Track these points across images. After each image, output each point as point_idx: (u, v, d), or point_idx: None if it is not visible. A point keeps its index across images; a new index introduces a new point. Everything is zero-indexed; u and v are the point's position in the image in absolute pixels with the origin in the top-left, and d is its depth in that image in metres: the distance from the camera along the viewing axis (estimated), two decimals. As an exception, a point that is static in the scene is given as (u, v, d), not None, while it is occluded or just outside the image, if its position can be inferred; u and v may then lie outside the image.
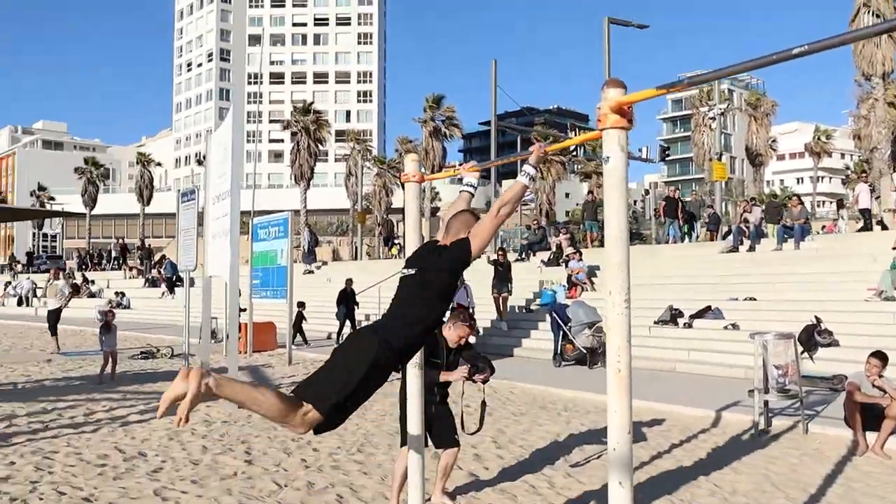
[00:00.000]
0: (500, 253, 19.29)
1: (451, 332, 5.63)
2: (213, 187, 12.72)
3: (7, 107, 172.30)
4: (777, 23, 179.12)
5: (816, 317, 13.22)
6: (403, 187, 4.99)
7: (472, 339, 6.39)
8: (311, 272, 33.11)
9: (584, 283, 19.54)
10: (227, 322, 10.91)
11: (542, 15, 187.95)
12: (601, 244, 27.01)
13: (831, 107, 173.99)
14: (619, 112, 3.42)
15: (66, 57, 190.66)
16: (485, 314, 18.80)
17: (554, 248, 23.89)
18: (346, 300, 20.16)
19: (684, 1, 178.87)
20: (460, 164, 4.65)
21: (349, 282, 20.94)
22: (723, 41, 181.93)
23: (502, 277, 18.59)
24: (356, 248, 47.48)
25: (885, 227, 20.90)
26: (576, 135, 39.55)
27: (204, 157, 17.76)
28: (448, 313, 5.29)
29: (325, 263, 36.86)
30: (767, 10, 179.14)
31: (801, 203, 19.75)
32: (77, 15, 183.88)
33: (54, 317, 19.50)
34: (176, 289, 33.36)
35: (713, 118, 35.77)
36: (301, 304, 20.59)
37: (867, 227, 20.60)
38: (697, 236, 25.45)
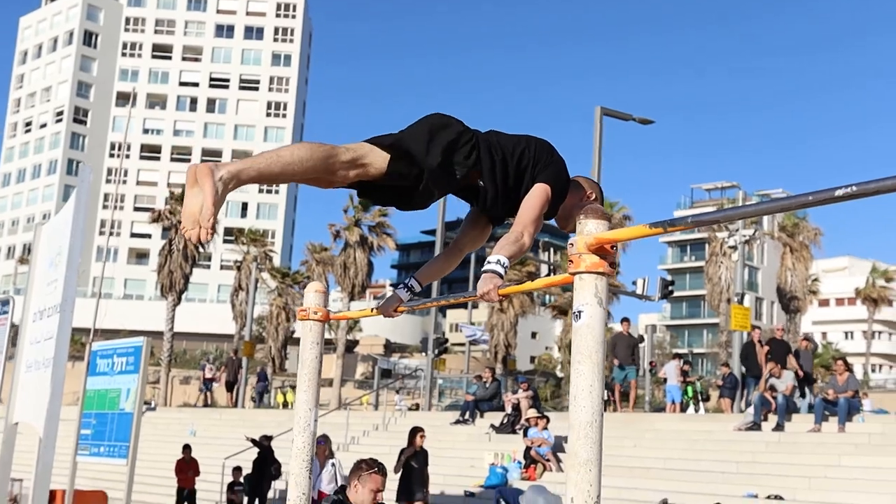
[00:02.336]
0: (417, 436, 16.83)
1: (363, 492, 5.72)
2: (38, 298, 12.43)
3: None
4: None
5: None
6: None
7: None
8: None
9: (548, 461, 19.31)
10: (34, 489, 10.44)
11: (518, 101, 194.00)
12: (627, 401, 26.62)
13: (894, 238, 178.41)
14: (598, 252, 3.42)
15: None
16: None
17: (509, 409, 23.74)
18: (261, 464, 19.79)
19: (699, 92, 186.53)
20: (384, 301, 4.61)
21: (266, 439, 20.40)
22: (751, 130, 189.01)
23: (416, 477, 16.38)
24: (238, 390, 46.77)
25: None
26: (549, 256, 40.24)
27: (30, 253, 17.48)
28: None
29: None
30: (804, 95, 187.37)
31: (849, 369, 19.97)
32: None
33: None
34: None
35: (734, 247, 36.54)
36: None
37: None
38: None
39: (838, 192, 2.77)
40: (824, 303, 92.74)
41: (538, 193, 4.07)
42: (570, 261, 3.50)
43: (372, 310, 4.77)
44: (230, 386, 39.59)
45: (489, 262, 3.95)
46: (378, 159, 3.87)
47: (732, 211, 3.28)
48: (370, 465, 5.87)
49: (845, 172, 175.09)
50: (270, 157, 3.63)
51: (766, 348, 23.75)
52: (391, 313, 4.57)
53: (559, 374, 67.19)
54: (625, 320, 26.91)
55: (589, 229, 3.45)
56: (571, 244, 3.48)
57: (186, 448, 21.28)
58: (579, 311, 3.45)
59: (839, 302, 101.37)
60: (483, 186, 4.13)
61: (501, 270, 3.95)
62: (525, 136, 4.25)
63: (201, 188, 3.40)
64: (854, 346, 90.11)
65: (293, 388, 50.06)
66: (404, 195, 4.08)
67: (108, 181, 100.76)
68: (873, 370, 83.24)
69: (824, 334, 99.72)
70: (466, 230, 4.47)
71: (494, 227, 4.50)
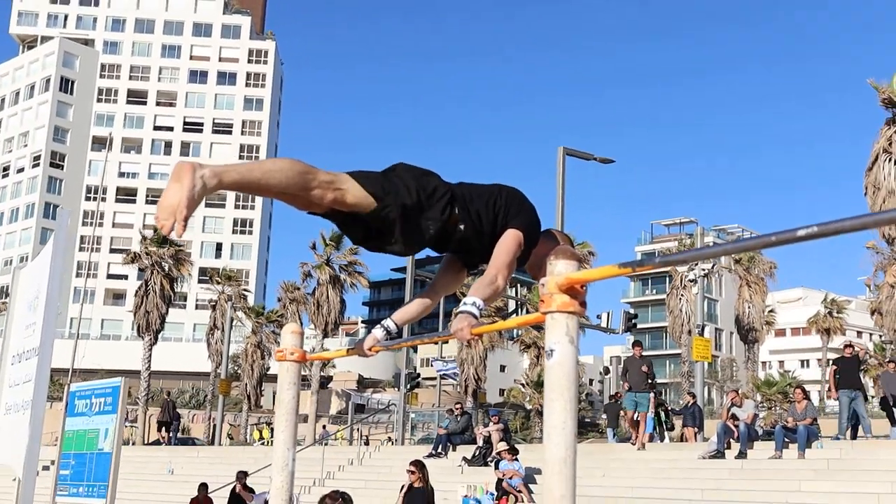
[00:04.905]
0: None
1: None
2: (16, 341, 12.27)
3: None
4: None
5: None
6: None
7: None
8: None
9: (520, 493, 19.22)
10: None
11: (487, 145, 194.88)
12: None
13: (844, 270, 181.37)
14: (569, 292, 3.39)
15: None
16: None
17: (481, 442, 23.66)
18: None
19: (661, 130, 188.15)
20: (360, 341, 4.55)
21: (242, 475, 20.24)
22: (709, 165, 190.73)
23: None
24: (214, 426, 46.38)
25: None
26: (517, 292, 40.27)
27: (7, 295, 17.30)
28: None
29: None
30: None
31: (807, 397, 20.07)
32: None
33: None
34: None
35: (694, 280, 36.72)
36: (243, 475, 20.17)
37: None
38: None
39: (800, 233, 2.76)
40: (780, 333, 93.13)
41: (511, 238, 4.07)
42: (542, 300, 3.48)
43: (347, 350, 4.72)
44: (163, 425, 39.23)
45: (464, 304, 3.94)
46: (356, 190, 3.79)
47: (697, 252, 3.29)
48: (334, 499, 5.79)
49: (797, 203, 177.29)
50: (252, 163, 3.59)
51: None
52: (366, 353, 4.53)
53: (528, 406, 67.08)
54: (637, 344, 24.13)
55: (559, 269, 3.42)
56: (542, 284, 3.45)
57: (203, 486, 20.47)
58: (551, 350, 3.41)
59: (794, 332, 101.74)
60: (459, 236, 4.11)
61: (476, 311, 3.94)
62: (496, 185, 4.27)
63: (181, 184, 3.29)
64: (810, 374, 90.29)
65: (269, 424, 49.82)
66: (380, 237, 4.02)
67: (84, 224, 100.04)
68: (829, 397, 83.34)
69: (781, 363, 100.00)
70: (442, 275, 4.49)
71: (469, 273, 4.50)
